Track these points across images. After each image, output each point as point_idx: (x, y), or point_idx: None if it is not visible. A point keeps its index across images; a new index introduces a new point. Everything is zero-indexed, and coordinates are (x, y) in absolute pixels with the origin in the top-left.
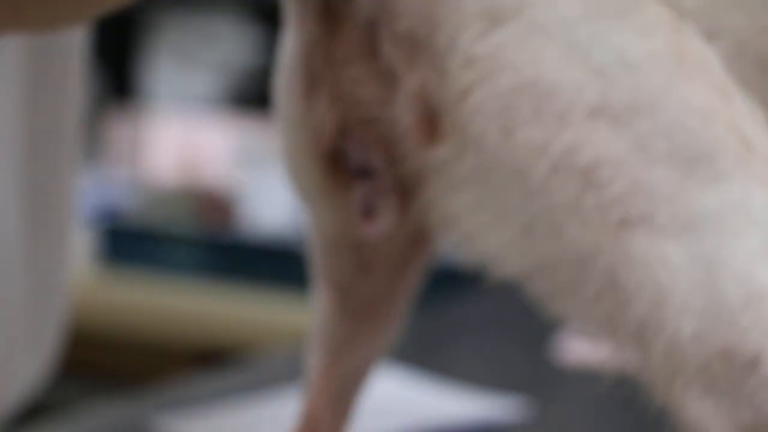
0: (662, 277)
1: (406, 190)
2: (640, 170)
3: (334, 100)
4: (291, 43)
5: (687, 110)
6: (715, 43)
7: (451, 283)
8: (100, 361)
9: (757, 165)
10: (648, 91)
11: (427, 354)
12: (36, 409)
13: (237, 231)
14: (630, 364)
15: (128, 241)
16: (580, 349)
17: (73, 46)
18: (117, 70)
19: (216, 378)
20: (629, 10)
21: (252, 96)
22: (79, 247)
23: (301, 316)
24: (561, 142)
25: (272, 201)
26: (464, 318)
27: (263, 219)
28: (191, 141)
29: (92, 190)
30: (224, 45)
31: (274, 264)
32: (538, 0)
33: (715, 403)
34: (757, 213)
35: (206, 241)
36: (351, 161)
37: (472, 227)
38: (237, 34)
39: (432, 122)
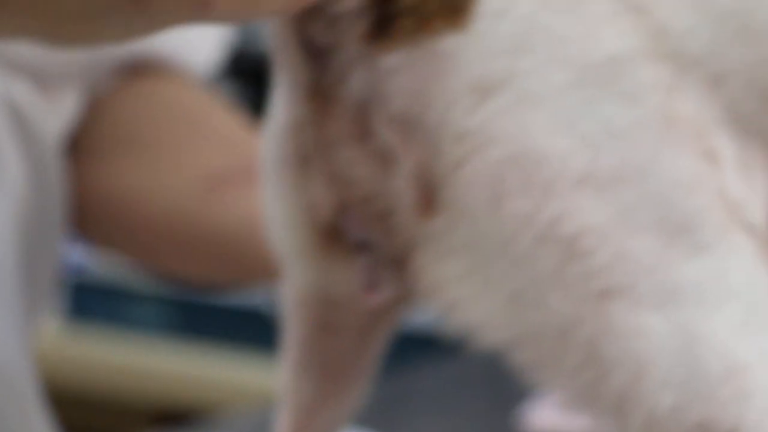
0: (642, 350)
1: (400, 260)
2: (623, 241)
3: (330, 179)
4: (281, 117)
5: (671, 181)
6: (724, 85)
7: (417, 347)
8: (62, 418)
9: (739, 236)
10: (633, 161)
11: (390, 420)
12: None
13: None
14: None
15: (91, 298)
16: (547, 418)
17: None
18: None
19: None
20: (620, 76)
21: None
22: None
23: (267, 377)
24: (547, 212)
25: None
26: (429, 382)
27: None
28: None
29: None
30: None
31: (241, 323)
32: (527, 69)
33: None
34: (738, 285)
35: (172, 298)
36: (350, 236)
37: (460, 295)
38: None
39: (429, 196)
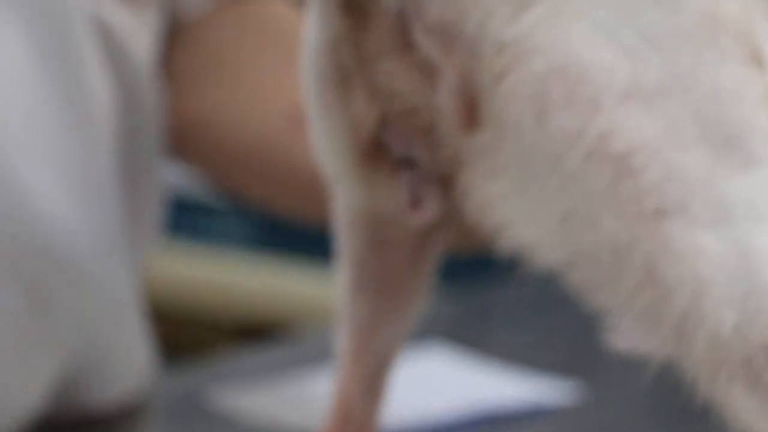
0: (700, 269)
1: (447, 178)
2: (673, 157)
3: (371, 94)
4: (317, 35)
5: (716, 91)
6: None
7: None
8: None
9: None
10: (677, 71)
11: (477, 335)
12: None
13: None
14: (674, 357)
15: (176, 214)
16: (631, 333)
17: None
18: None
19: (266, 352)
20: None
21: None
22: None
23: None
24: (594, 129)
25: None
26: (515, 299)
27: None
28: None
29: None
30: None
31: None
32: None
33: (760, 398)
34: None
35: (255, 214)
36: (393, 152)
37: (510, 215)
38: None
39: (472, 108)
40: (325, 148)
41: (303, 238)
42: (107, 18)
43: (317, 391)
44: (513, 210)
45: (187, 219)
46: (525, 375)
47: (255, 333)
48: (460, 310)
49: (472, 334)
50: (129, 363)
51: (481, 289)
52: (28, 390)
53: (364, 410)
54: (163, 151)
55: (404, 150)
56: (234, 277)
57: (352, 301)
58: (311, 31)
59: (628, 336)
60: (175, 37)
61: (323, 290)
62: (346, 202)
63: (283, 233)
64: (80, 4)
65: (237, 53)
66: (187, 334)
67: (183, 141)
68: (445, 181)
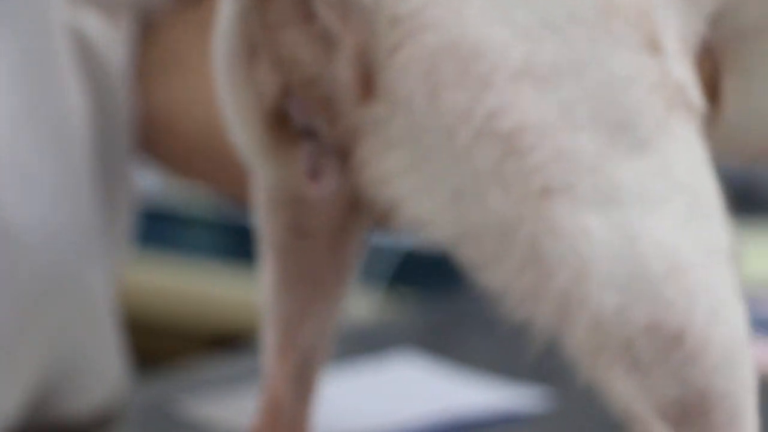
0: (584, 250)
1: (346, 150)
2: (562, 138)
3: (275, 63)
4: (227, 7)
5: (609, 75)
6: None
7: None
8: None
9: (681, 123)
10: (571, 55)
11: (447, 343)
12: None
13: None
14: (557, 337)
15: (147, 224)
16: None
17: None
18: None
19: (237, 361)
20: None
21: None
22: None
23: None
24: (484, 106)
25: None
26: (484, 307)
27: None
28: None
29: None
30: None
31: None
32: None
33: (639, 381)
34: (680, 180)
35: (225, 223)
36: (295, 122)
37: (403, 190)
38: None
39: (368, 80)
40: (235, 122)
41: None
42: (84, 28)
43: None
44: (406, 185)
45: (158, 229)
46: (496, 382)
47: (226, 342)
48: (430, 319)
49: (442, 342)
50: (103, 372)
51: (451, 297)
52: (5, 399)
53: (295, 408)
54: (135, 157)
55: (306, 120)
56: (204, 286)
57: (275, 294)
58: (224, 7)
59: None
60: (142, 37)
61: None
62: (260, 183)
63: (253, 243)
64: (58, 14)
65: (197, 50)
66: (159, 344)
67: (149, 135)
68: (345, 154)
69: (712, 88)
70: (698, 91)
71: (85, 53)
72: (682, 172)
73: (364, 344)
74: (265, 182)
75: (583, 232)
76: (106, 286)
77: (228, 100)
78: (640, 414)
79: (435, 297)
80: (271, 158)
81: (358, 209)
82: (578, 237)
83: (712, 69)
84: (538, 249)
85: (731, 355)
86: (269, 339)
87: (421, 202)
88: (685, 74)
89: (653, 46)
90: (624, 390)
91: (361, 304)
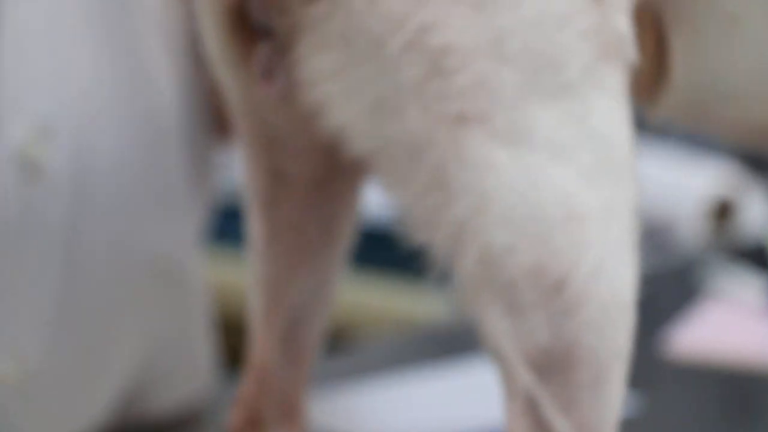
0: (487, 183)
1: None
2: (488, 66)
3: None
4: None
5: (546, 11)
6: None
7: None
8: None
9: (611, 71)
10: None
11: None
12: None
13: None
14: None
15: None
16: (690, 341)
17: None
18: None
19: (325, 359)
20: None
21: None
22: None
23: (400, 302)
24: (419, 18)
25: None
26: None
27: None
28: None
29: None
30: None
31: (374, 247)
32: None
33: (514, 323)
34: (595, 131)
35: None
36: (254, 22)
37: (329, 93)
38: None
39: None
40: (204, 25)
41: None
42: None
43: (372, 401)
44: (332, 88)
45: (237, 226)
46: None
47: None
48: None
49: None
50: (193, 369)
51: None
52: (99, 398)
53: (284, 373)
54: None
55: (263, 19)
56: None
57: (261, 250)
58: None
59: (687, 342)
60: None
61: (378, 299)
62: (234, 105)
63: None
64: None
65: None
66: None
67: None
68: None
69: (658, 53)
70: (634, 45)
71: (173, 39)
72: (599, 124)
73: (443, 347)
74: (234, 100)
75: (490, 166)
76: (199, 280)
77: (197, 3)
78: (508, 356)
79: None
80: (233, 61)
81: (332, 167)
82: (484, 170)
83: (658, 33)
84: (444, 174)
85: (608, 315)
86: (256, 300)
87: (343, 108)
88: (624, 26)
89: None
90: (498, 329)
91: (439, 306)
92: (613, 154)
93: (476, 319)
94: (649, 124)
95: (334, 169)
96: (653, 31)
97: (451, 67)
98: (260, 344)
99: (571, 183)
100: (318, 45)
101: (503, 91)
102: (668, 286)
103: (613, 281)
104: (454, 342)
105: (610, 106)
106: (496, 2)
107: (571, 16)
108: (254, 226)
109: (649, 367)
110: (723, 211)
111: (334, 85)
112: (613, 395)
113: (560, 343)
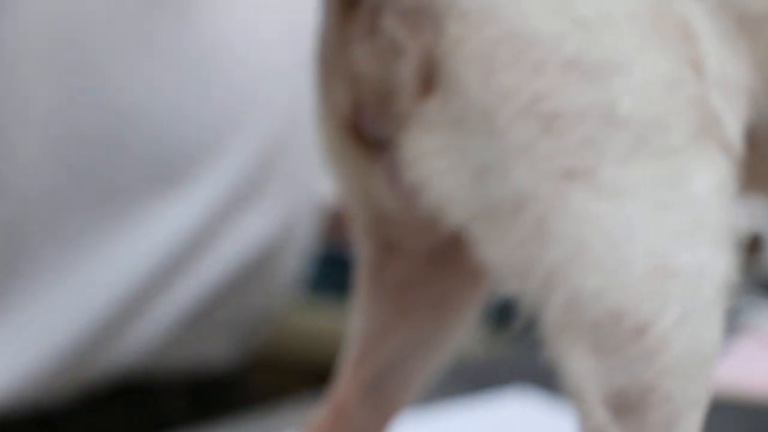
0: (585, 232)
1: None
2: (598, 127)
3: (346, 77)
4: (319, 23)
5: (653, 76)
6: (699, 1)
7: None
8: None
9: (710, 146)
10: (621, 52)
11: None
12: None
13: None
14: (533, 313)
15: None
16: (722, 376)
17: None
18: None
19: None
20: None
21: None
22: None
23: None
24: (531, 89)
25: None
26: None
27: None
28: None
29: None
30: None
31: None
32: None
33: (596, 364)
34: (695, 194)
35: (325, 256)
36: (368, 134)
37: (434, 168)
38: None
39: (430, 76)
40: (320, 137)
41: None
42: None
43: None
44: (434, 165)
45: None
46: None
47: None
48: (540, 354)
49: (554, 378)
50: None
51: None
52: None
53: (362, 420)
54: None
55: (377, 131)
56: (304, 320)
57: (362, 308)
58: (319, 21)
59: (715, 380)
60: None
61: None
62: (350, 200)
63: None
64: None
65: None
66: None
67: None
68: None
69: None
70: (737, 131)
71: None
72: (700, 190)
73: (475, 380)
74: (353, 199)
75: (590, 217)
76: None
77: (315, 114)
78: (586, 395)
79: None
80: (354, 173)
81: (449, 239)
82: (584, 220)
83: None
84: (544, 226)
85: (687, 365)
86: (350, 348)
87: (445, 180)
88: (723, 107)
89: (696, 66)
90: (579, 370)
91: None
92: (710, 221)
93: (560, 362)
94: None
95: (448, 248)
96: None
97: (562, 129)
98: (344, 385)
99: (666, 240)
100: (425, 129)
101: (611, 149)
102: None
103: (696, 335)
104: (488, 375)
105: (711, 177)
106: (607, 68)
107: (677, 83)
108: (360, 281)
109: None
110: (753, 245)
111: (439, 161)
112: None
113: (637, 385)
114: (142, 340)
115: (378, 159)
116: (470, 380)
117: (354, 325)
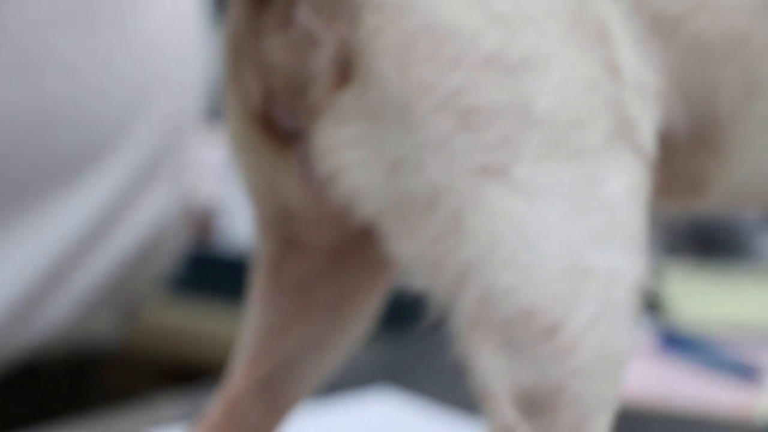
0: (500, 228)
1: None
2: (515, 125)
3: (258, 68)
4: (229, 14)
5: (571, 77)
6: (615, 2)
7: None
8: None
9: (625, 149)
10: (541, 50)
11: (419, 379)
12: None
13: (216, 245)
14: (447, 307)
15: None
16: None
17: None
18: None
19: (194, 395)
20: None
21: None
22: None
23: None
24: (448, 83)
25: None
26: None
27: (241, 233)
28: None
29: None
30: None
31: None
32: None
33: (506, 362)
34: (609, 197)
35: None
36: (280, 126)
37: (347, 160)
38: None
39: (345, 68)
40: (231, 128)
41: (231, 279)
42: None
43: None
44: (350, 157)
45: None
46: (473, 420)
47: (185, 376)
48: (401, 355)
49: (415, 379)
50: None
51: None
52: None
53: (255, 418)
54: None
55: (289, 122)
56: (164, 318)
57: (261, 303)
58: (229, 13)
59: None
60: None
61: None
62: (252, 192)
63: (211, 273)
64: None
65: None
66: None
67: None
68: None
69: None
70: (651, 135)
71: None
72: (613, 192)
73: (338, 381)
74: (257, 189)
75: (505, 214)
76: None
77: (225, 104)
78: (495, 393)
79: (398, 332)
80: (263, 164)
81: (349, 234)
82: (499, 217)
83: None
84: (458, 221)
85: (598, 366)
86: (245, 342)
87: (358, 172)
88: (638, 110)
89: (612, 69)
90: (489, 367)
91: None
92: (623, 224)
93: (468, 359)
94: None
95: (351, 245)
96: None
97: (478, 125)
98: (237, 382)
99: (580, 241)
100: (339, 119)
101: (527, 148)
102: None
103: (607, 337)
104: (351, 376)
105: (625, 179)
106: (524, 66)
107: (594, 84)
108: (259, 276)
109: None
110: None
111: (352, 153)
112: None
113: (547, 385)
114: (40, 329)
115: (288, 151)
116: (332, 381)
117: (249, 321)
